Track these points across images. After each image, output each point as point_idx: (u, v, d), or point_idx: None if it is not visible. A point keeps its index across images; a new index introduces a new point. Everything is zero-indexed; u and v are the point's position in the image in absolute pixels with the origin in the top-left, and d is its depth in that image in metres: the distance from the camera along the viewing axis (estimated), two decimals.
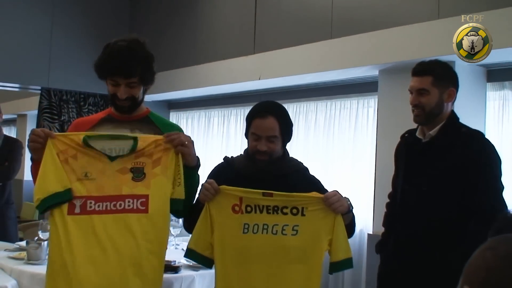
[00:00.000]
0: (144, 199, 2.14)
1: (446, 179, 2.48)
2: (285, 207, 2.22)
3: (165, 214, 2.17)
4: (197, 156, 2.33)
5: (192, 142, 2.28)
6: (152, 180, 2.16)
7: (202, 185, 2.30)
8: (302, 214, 2.21)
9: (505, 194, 3.43)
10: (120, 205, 2.13)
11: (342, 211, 2.22)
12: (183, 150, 2.21)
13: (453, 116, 2.60)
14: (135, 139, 2.19)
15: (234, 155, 2.55)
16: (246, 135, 2.45)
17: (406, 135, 2.74)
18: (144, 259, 2.13)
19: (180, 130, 2.45)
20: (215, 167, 2.56)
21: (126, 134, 2.23)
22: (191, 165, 2.29)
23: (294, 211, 2.22)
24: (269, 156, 2.36)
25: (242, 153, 2.51)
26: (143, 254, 2.12)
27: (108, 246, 2.10)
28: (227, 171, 2.47)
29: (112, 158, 2.17)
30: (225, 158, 2.55)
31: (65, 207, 2.10)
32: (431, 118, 2.55)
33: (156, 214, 2.15)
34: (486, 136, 3.59)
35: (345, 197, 2.30)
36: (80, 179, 2.14)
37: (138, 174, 2.16)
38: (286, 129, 2.40)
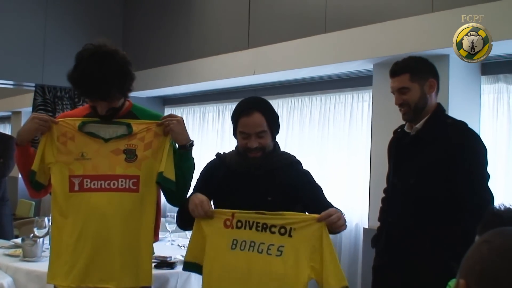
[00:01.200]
0: (135, 179, 2.30)
1: (432, 171, 2.51)
2: (274, 226, 2.22)
3: (154, 194, 2.34)
4: (192, 140, 2.37)
5: (181, 121, 2.33)
6: (143, 162, 2.30)
7: (191, 199, 2.32)
8: (289, 235, 2.19)
9: (501, 186, 3.47)
10: (114, 184, 2.29)
11: (343, 230, 2.22)
12: (169, 127, 2.30)
13: (439, 108, 2.63)
14: (128, 125, 2.32)
15: (227, 151, 2.54)
16: (235, 134, 2.43)
17: (398, 130, 2.77)
18: (133, 234, 2.30)
19: None
20: (207, 164, 2.55)
21: (120, 121, 2.33)
22: (182, 144, 2.34)
23: (282, 230, 2.21)
24: (262, 151, 2.36)
25: (234, 149, 2.51)
26: (133, 229, 2.30)
27: (102, 221, 2.27)
28: (219, 168, 2.47)
29: (106, 140, 2.31)
30: (217, 155, 2.54)
31: (67, 185, 2.28)
32: (419, 113, 2.59)
33: (145, 193, 2.31)
34: (481, 129, 3.65)
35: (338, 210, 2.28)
36: (78, 159, 2.30)
37: (130, 155, 2.31)
38: (273, 122, 2.39)
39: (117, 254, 2.26)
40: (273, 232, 2.21)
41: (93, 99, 2.29)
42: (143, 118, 2.39)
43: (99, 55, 2.23)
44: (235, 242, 2.25)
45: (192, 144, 2.37)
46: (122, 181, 2.28)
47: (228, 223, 2.27)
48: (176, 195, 2.42)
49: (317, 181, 2.50)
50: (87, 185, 2.27)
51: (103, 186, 2.27)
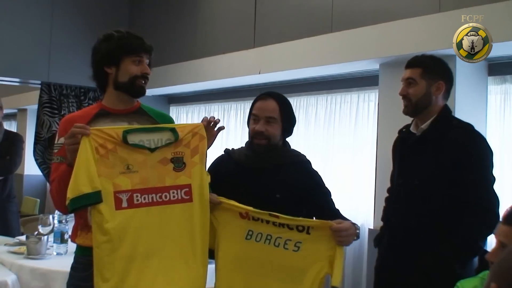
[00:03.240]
0: (187, 189, 2.16)
1: (436, 173, 2.49)
2: (290, 225, 2.20)
3: (207, 201, 2.19)
4: None
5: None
6: (192, 169, 2.17)
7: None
8: (307, 232, 2.18)
9: (508, 187, 3.45)
10: (166, 196, 2.14)
11: (344, 245, 2.19)
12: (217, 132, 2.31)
13: (446, 110, 2.61)
14: (173, 130, 2.17)
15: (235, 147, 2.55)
16: (248, 123, 2.44)
17: (403, 130, 2.76)
18: (191, 245, 2.16)
19: (172, 119, 2.49)
20: (215, 160, 2.55)
21: (163, 126, 2.22)
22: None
23: (300, 228, 2.19)
24: (267, 139, 2.35)
25: (243, 146, 2.51)
26: (190, 241, 2.16)
27: (157, 237, 2.12)
28: (227, 162, 2.47)
29: (152, 149, 2.15)
30: (226, 150, 2.55)
31: (112, 202, 2.07)
32: (419, 109, 2.58)
33: (199, 202, 2.17)
34: (488, 130, 3.63)
35: (354, 225, 2.23)
36: (123, 172, 2.11)
37: (178, 164, 2.17)
38: (286, 115, 2.40)
39: (173, 270, 2.13)
40: (291, 229, 2.19)
41: (143, 52, 2.33)
42: (153, 115, 2.39)
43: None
44: (250, 233, 2.22)
45: None
46: (173, 192, 2.15)
47: (244, 214, 2.23)
48: None
49: (326, 184, 2.48)
50: (137, 200, 2.10)
51: (154, 200, 2.12)
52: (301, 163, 2.46)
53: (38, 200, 7.22)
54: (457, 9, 3.33)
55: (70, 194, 2.01)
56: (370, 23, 3.95)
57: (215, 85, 5.79)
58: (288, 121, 2.43)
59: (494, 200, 2.43)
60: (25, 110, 9.16)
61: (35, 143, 5.97)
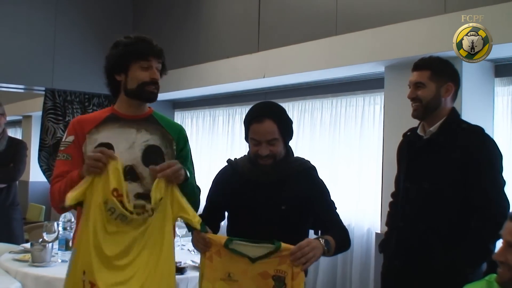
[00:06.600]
0: None
1: (446, 176, 2.47)
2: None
3: None
4: (184, 169, 2.22)
5: (178, 169, 2.18)
6: None
7: (194, 237, 2.26)
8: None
9: None
10: None
11: (304, 267, 2.14)
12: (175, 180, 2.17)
13: (454, 113, 2.59)
14: (277, 247, 2.14)
15: (238, 157, 2.51)
16: (246, 139, 2.39)
17: (408, 133, 2.74)
18: None
19: (182, 129, 2.45)
20: (219, 172, 2.51)
21: (266, 245, 2.16)
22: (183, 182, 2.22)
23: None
24: (273, 159, 2.31)
25: (246, 154, 2.47)
26: None
27: None
28: (232, 176, 2.43)
29: (253, 260, 2.16)
30: (229, 161, 2.50)
31: None
32: (429, 112, 2.56)
33: None
34: (495, 131, 3.59)
35: (318, 241, 2.17)
36: (224, 279, 2.17)
37: (279, 283, 2.13)
38: (285, 129, 2.33)
39: None
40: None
41: (151, 56, 2.30)
42: (164, 124, 2.37)
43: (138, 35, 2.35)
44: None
45: (187, 173, 2.26)
46: None
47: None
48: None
49: (330, 193, 2.45)
50: None
51: None
52: (306, 170, 2.42)
53: (44, 207, 7.21)
54: (463, 10, 3.30)
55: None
56: (375, 25, 3.92)
57: (220, 90, 5.78)
58: (288, 133, 2.38)
59: (504, 204, 2.41)
60: (29, 116, 9.18)
61: (40, 150, 5.97)
